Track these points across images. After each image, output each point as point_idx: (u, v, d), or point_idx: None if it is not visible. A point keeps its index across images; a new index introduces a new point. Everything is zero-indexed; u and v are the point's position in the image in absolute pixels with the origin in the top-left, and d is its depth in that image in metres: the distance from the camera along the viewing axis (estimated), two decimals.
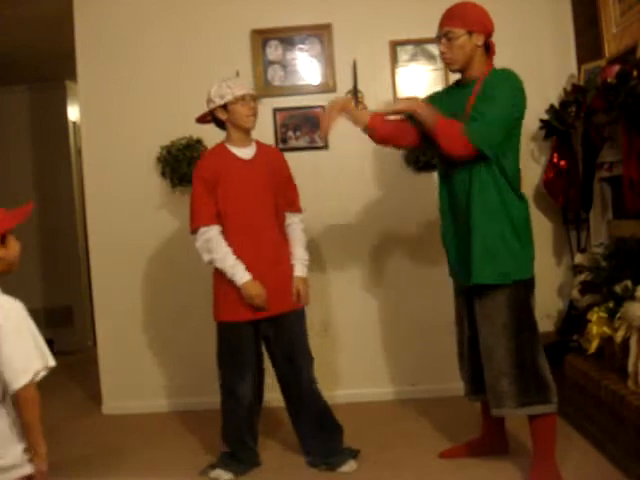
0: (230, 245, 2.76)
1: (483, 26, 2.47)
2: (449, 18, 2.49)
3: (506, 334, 2.46)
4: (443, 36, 2.49)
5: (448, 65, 2.56)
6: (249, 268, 2.75)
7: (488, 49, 2.53)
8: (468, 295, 2.60)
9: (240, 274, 2.72)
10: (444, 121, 2.43)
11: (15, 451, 1.66)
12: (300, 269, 2.87)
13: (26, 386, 1.62)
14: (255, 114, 2.82)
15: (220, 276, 2.80)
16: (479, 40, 2.47)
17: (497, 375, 2.47)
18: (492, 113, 2.37)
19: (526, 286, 2.52)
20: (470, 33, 2.45)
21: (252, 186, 2.80)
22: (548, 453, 2.50)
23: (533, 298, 2.56)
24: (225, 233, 2.77)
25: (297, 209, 2.96)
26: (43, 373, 1.66)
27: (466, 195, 2.49)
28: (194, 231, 2.79)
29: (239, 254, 2.76)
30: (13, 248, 1.76)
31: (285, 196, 2.89)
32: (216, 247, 2.73)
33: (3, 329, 1.60)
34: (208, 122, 2.93)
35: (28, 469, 1.68)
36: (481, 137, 2.36)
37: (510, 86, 2.43)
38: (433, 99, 2.70)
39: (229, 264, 2.73)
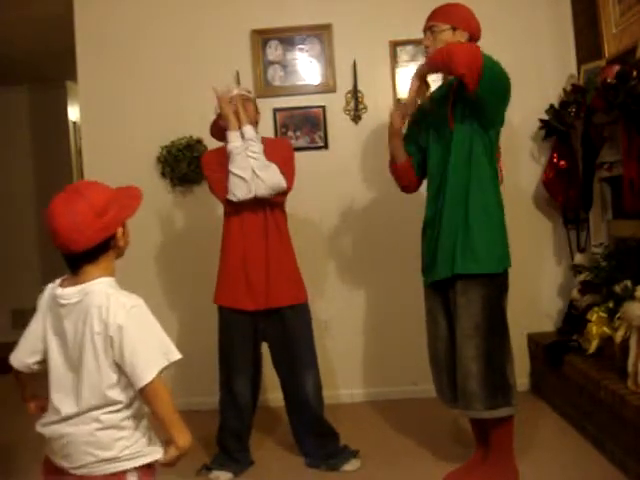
0: (226, 233, 2.85)
1: (467, 24, 2.56)
2: (435, 14, 2.60)
3: (478, 335, 2.46)
4: (428, 30, 2.58)
5: None
6: (241, 258, 2.79)
7: None
8: (444, 297, 2.59)
9: (232, 139, 2.74)
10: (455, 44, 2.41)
11: (121, 444, 1.62)
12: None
13: (150, 383, 1.59)
14: (249, 115, 2.82)
15: (223, 261, 2.86)
16: (462, 37, 2.54)
17: (466, 376, 2.47)
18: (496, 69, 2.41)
19: (500, 284, 2.52)
20: (454, 29, 2.54)
21: None
22: (507, 451, 2.56)
23: (506, 300, 2.55)
24: (225, 218, 2.87)
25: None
26: (166, 368, 1.63)
27: (465, 188, 2.49)
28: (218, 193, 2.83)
29: (234, 245, 2.81)
30: (128, 235, 1.76)
31: None
32: (237, 165, 2.72)
33: (125, 330, 1.56)
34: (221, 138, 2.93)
35: (131, 463, 1.63)
36: (491, 69, 2.37)
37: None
38: (419, 113, 2.74)
39: (235, 167, 2.71)
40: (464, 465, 2.70)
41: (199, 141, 3.74)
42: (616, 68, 2.94)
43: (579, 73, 3.59)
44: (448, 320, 2.59)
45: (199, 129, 3.66)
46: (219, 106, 2.82)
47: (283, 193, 2.80)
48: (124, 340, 1.56)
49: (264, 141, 2.85)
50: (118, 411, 1.61)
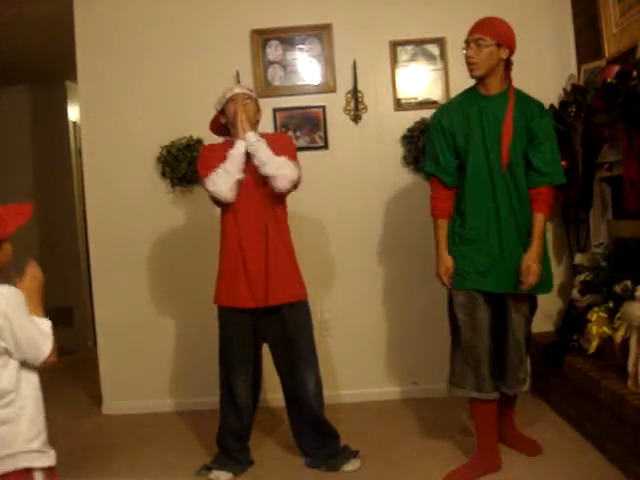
0: (223, 231, 2.85)
1: (510, 43, 2.66)
2: (483, 26, 2.66)
3: (528, 325, 2.76)
4: (473, 41, 2.64)
5: (471, 70, 2.67)
6: (240, 256, 2.78)
7: (507, 67, 2.71)
8: (491, 295, 2.71)
9: (237, 146, 2.75)
10: (544, 215, 2.66)
11: (23, 439, 1.69)
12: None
13: (49, 356, 1.72)
14: (250, 114, 2.82)
15: (222, 261, 2.85)
16: (504, 54, 2.65)
17: (520, 359, 2.73)
18: (551, 153, 2.66)
19: None
20: (499, 45, 2.63)
21: (248, 174, 2.78)
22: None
23: None
24: (221, 216, 2.86)
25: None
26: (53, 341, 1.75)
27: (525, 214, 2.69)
28: (203, 181, 2.84)
29: (231, 243, 2.80)
30: (6, 253, 1.78)
31: None
32: (228, 166, 2.76)
33: (10, 315, 1.66)
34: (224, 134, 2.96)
35: (37, 461, 1.71)
36: (556, 173, 2.66)
37: (553, 123, 2.77)
38: (449, 118, 2.75)
39: (228, 163, 2.75)
40: (465, 465, 2.72)
41: (199, 141, 3.73)
42: (616, 68, 2.94)
43: (579, 73, 3.59)
44: (490, 312, 2.71)
45: (199, 129, 3.66)
46: (235, 116, 2.80)
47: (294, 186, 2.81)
48: (14, 324, 1.66)
49: (264, 137, 2.85)
50: (11, 404, 1.68)
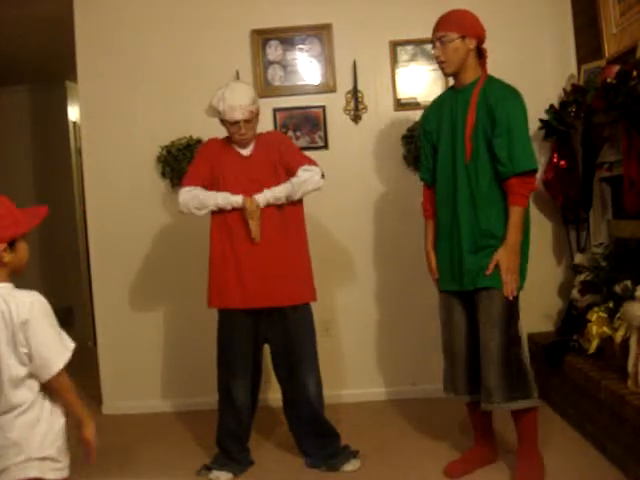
0: (211, 225, 2.83)
1: (475, 31, 2.59)
2: (443, 23, 2.62)
3: (499, 328, 2.51)
4: (437, 40, 2.61)
5: (442, 68, 2.66)
6: (230, 253, 2.78)
7: (480, 55, 2.64)
8: (465, 296, 2.64)
9: (234, 197, 2.74)
10: (519, 207, 2.49)
11: (37, 447, 1.67)
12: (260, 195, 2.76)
13: (59, 374, 1.66)
14: (248, 137, 2.80)
15: (213, 262, 2.83)
16: (471, 44, 2.58)
17: (487, 368, 2.52)
18: (511, 139, 2.48)
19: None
20: (463, 37, 2.57)
21: (246, 180, 2.78)
22: (533, 443, 2.63)
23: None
24: (218, 220, 2.83)
25: (301, 165, 2.84)
26: (68, 359, 1.69)
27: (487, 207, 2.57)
28: (181, 186, 2.85)
29: (218, 238, 2.81)
30: (22, 252, 1.74)
31: (289, 168, 2.83)
32: (202, 196, 2.77)
33: (31, 323, 1.63)
34: None
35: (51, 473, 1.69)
36: (519, 160, 2.47)
37: (522, 108, 2.53)
38: (428, 118, 2.78)
39: (219, 197, 2.75)
40: (462, 457, 2.79)
41: (199, 141, 3.72)
42: (616, 68, 2.94)
43: (579, 73, 3.58)
44: (466, 314, 2.66)
45: (199, 129, 3.67)
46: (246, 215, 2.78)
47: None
48: (29, 332, 1.63)
49: (257, 140, 2.85)
50: (27, 411, 1.66)
